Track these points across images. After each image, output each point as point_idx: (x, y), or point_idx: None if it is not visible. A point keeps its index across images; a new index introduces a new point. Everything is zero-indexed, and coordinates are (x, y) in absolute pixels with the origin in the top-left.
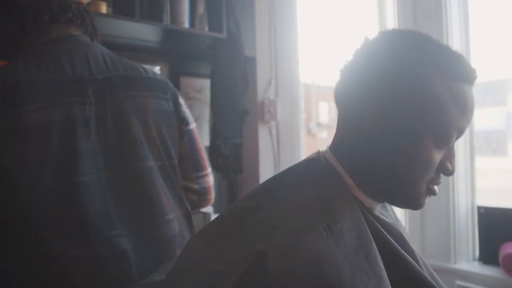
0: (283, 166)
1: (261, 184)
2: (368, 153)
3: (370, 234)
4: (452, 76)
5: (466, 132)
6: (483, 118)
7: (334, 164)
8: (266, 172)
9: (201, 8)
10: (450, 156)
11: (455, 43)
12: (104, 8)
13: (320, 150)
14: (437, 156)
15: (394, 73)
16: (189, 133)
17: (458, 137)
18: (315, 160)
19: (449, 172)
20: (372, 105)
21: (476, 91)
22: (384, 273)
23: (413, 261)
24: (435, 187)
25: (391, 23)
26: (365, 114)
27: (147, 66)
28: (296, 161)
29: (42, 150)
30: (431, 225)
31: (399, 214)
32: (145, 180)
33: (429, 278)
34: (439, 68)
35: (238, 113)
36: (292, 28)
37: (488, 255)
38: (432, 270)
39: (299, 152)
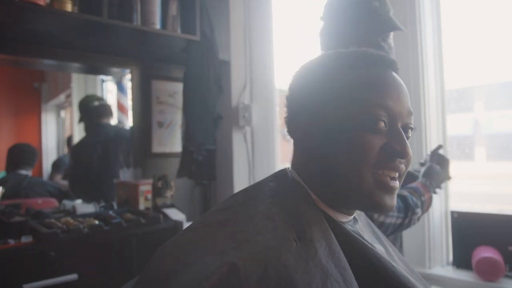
0: (258, 172)
1: (232, 197)
2: (316, 167)
3: (338, 244)
4: (362, 66)
5: (440, 137)
6: (455, 124)
7: (297, 179)
8: (240, 178)
9: (173, 9)
10: (395, 138)
11: (428, 53)
12: (69, 6)
13: (287, 167)
14: (374, 141)
15: (316, 83)
16: None
17: (395, 118)
18: (284, 176)
19: (400, 153)
20: (306, 120)
21: (449, 98)
22: (354, 280)
23: (387, 265)
24: (387, 179)
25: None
26: (304, 131)
27: (116, 69)
28: (271, 167)
29: None
30: (406, 231)
31: None
32: None
33: (405, 279)
34: (352, 66)
35: (211, 118)
36: (267, 32)
37: (461, 260)
38: (418, 275)
39: (274, 158)
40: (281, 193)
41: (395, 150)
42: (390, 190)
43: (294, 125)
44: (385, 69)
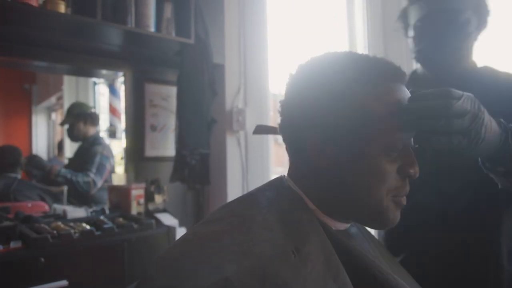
0: (252, 177)
1: (226, 206)
2: (320, 180)
3: (337, 256)
4: (377, 79)
5: None
6: None
7: (296, 189)
8: (234, 183)
9: (168, 12)
10: (408, 160)
11: None
12: (62, 8)
13: (283, 175)
14: (390, 165)
15: (326, 97)
16: None
17: (409, 140)
18: (280, 185)
19: (414, 176)
20: (311, 133)
21: None
22: None
23: (388, 277)
24: (403, 199)
25: (361, 35)
26: (308, 144)
27: (109, 72)
28: (265, 172)
29: None
30: None
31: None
32: None
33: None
34: (367, 79)
35: (205, 122)
36: (262, 36)
37: None
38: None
39: (268, 163)
40: (278, 203)
41: (409, 174)
42: (402, 207)
43: (296, 137)
44: (399, 83)
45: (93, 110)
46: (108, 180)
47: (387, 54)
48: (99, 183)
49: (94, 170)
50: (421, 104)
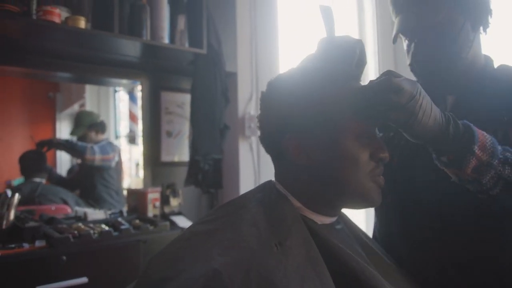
0: (263, 181)
1: (221, 207)
2: (303, 177)
3: (317, 249)
4: (342, 80)
5: None
6: None
7: (282, 191)
8: (246, 187)
9: (181, 24)
10: (378, 146)
11: None
12: (82, 23)
13: (272, 179)
14: (363, 152)
15: (295, 102)
16: None
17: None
18: (268, 188)
19: (385, 160)
20: (289, 137)
21: None
22: (331, 282)
23: (363, 266)
24: (381, 178)
25: (371, 43)
26: (288, 147)
27: (127, 81)
28: None
29: None
30: None
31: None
32: None
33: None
34: (334, 81)
35: (218, 129)
36: (274, 44)
37: None
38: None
39: None
40: (265, 203)
41: (381, 158)
42: (381, 186)
43: (277, 143)
44: (355, 80)
45: (101, 119)
46: (111, 166)
47: (396, 56)
48: (97, 154)
49: (96, 146)
50: (367, 84)
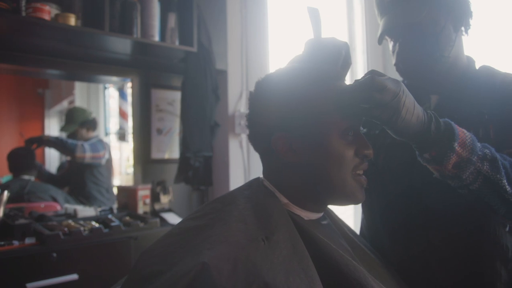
0: (253, 178)
1: (209, 204)
2: (290, 174)
3: (303, 244)
4: (327, 80)
5: None
6: None
7: (269, 187)
8: (236, 184)
9: (172, 22)
10: (362, 143)
11: None
12: (73, 21)
13: (260, 177)
14: (348, 149)
15: (283, 101)
16: None
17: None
18: (256, 185)
19: (369, 156)
20: (277, 135)
21: None
22: (316, 275)
23: (346, 260)
24: (363, 178)
25: (360, 42)
26: (276, 145)
27: (117, 78)
28: None
29: None
30: None
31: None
32: None
33: (361, 273)
34: (318, 80)
35: (208, 126)
36: (263, 42)
37: None
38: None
39: None
40: (253, 199)
41: (365, 155)
42: (364, 185)
43: (265, 141)
44: (338, 80)
45: (93, 116)
46: (101, 164)
47: (385, 56)
48: (88, 152)
49: (86, 143)
50: (352, 84)
